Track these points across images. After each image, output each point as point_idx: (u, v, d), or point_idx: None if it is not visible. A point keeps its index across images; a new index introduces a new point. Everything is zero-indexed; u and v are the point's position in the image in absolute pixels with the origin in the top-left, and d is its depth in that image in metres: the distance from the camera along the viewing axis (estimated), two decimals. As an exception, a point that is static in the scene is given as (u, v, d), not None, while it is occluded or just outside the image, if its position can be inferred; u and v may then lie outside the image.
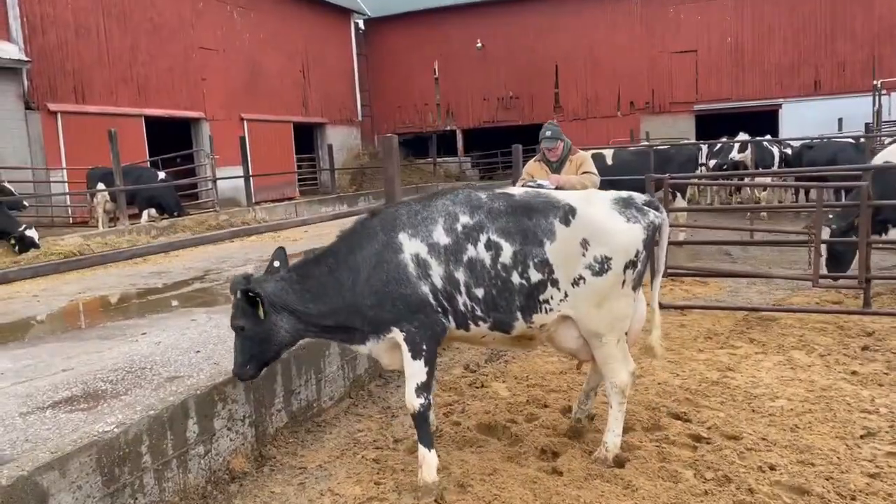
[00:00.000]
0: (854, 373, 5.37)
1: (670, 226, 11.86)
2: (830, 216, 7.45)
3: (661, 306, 7.53)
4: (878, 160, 7.71)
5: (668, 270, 7.87)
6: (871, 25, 26.85)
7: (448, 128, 34.04)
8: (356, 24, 33.50)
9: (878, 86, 20.38)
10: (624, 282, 3.81)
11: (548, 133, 7.01)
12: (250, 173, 20.40)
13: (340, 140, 30.86)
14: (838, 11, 27.25)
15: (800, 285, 8.01)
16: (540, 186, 6.58)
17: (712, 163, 16.14)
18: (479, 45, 32.34)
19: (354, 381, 5.40)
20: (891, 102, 20.67)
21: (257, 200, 21.33)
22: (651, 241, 3.94)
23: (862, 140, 15.60)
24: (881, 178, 6.92)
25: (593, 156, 12.73)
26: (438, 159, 33.06)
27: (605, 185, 11.78)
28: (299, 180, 28.46)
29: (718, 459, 3.99)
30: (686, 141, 22.24)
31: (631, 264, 3.81)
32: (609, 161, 12.36)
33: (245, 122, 25.35)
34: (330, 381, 5.10)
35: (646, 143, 19.94)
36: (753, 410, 4.76)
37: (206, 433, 3.85)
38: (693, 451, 4.14)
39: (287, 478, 4.09)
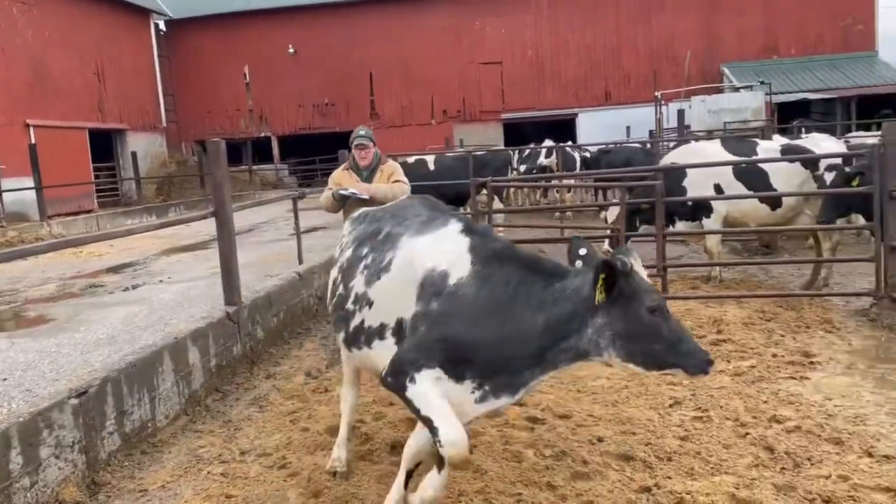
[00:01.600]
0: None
1: (496, 225, 12.41)
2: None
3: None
4: (667, 161, 8.70)
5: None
6: (651, 42, 30.09)
7: (263, 134, 33.09)
8: (156, 25, 31.51)
9: (659, 97, 22.87)
10: None
11: (361, 132, 6.68)
12: (41, 184, 18.48)
13: (144, 147, 28.84)
14: (622, 28, 30.22)
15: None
16: (352, 195, 6.43)
17: (523, 167, 17.19)
18: (292, 50, 31.82)
19: (190, 398, 5.15)
20: (669, 112, 23.24)
21: (50, 214, 19.36)
22: None
23: (648, 145, 17.47)
24: (668, 177, 7.83)
25: (416, 162, 13.18)
26: (254, 167, 32.01)
27: (428, 190, 12.25)
28: (98, 191, 26.19)
29: (554, 437, 4.33)
30: (496, 147, 23.50)
31: None
32: (431, 167, 12.78)
33: (31, 129, 22.88)
34: (164, 399, 4.82)
35: (460, 149, 20.80)
36: (579, 391, 5.20)
37: (31, 463, 3.50)
38: (531, 431, 4.45)
39: (126, 502, 3.83)
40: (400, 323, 3.16)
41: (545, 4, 30.62)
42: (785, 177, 7.69)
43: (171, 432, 4.78)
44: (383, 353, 3.18)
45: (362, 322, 3.36)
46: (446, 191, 11.45)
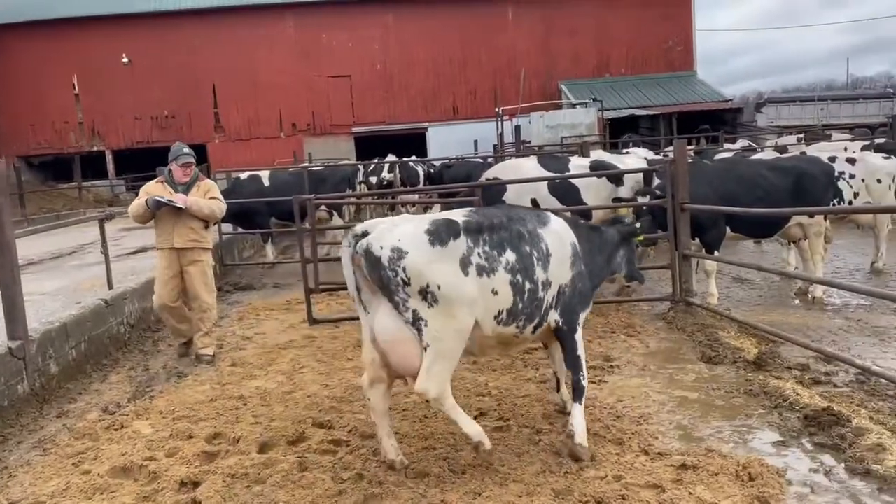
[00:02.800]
0: (474, 362, 6.17)
1: (333, 243, 12.25)
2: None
3: (316, 321, 7.90)
4: (490, 175, 8.97)
5: (324, 286, 8.24)
6: (494, 59, 31.22)
7: (95, 148, 30.99)
8: (-31, 29, 28.71)
9: (500, 112, 23.72)
10: None
11: (185, 150, 6.74)
12: None
13: (-45, 163, 26.07)
14: (467, 45, 31.16)
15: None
16: (168, 202, 6.43)
17: (373, 180, 17.14)
18: (126, 59, 30.06)
19: (-41, 446, 4.63)
20: (512, 127, 24.19)
21: None
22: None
23: (490, 159, 18.03)
24: (488, 192, 8.09)
25: (249, 178, 12.80)
26: (86, 183, 29.81)
27: (262, 206, 11.93)
28: None
29: (354, 459, 4.29)
30: (345, 161, 23.37)
31: None
32: (266, 182, 12.45)
33: None
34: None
35: (308, 164, 20.50)
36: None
37: None
38: (333, 455, 4.38)
39: None
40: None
41: (391, 19, 30.99)
42: (595, 192, 8.18)
43: (-70, 488, 4.27)
44: (554, 318, 4.29)
45: (547, 299, 4.20)
46: (282, 207, 11.16)
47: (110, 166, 31.16)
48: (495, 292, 3.92)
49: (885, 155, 9.73)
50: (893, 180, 9.43)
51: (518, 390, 5.41)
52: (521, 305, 4.02)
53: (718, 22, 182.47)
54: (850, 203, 9.18)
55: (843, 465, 3.95)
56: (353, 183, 16.86)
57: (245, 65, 30.44)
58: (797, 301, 8.27)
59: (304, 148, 29.02)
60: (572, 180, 8.18)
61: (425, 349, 3.78)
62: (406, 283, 3.72)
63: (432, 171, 18.00)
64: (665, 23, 32.10)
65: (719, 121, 28.07)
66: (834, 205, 8.20)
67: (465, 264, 3.83)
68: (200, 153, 29.81)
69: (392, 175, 15.94)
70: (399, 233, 3.79)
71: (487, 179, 8.56)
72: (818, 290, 7.99)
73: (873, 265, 9.31)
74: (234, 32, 30.29)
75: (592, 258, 4.59)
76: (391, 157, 17.24)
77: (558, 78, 31.42)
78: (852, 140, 16.28)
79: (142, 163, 30.62)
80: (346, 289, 8.95)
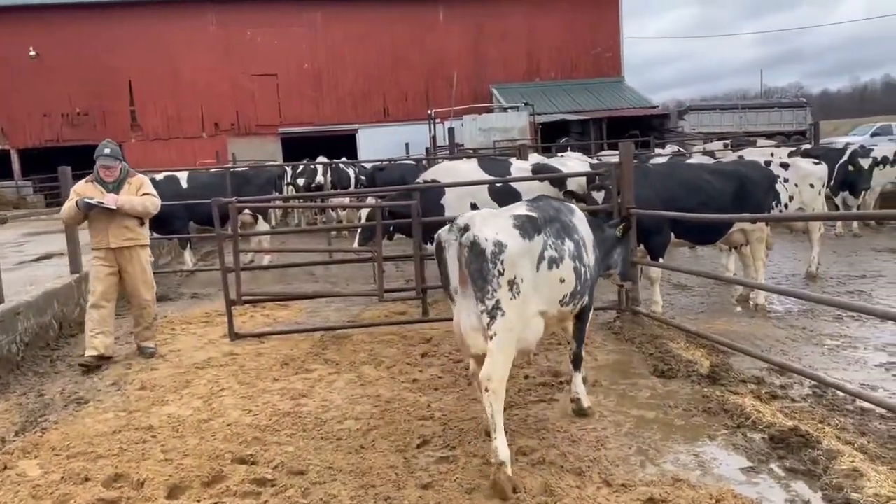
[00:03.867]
0: (415, 380, 5.70)
1: (257, 251, 11.52)
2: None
3: (238, 336, 7.23)
4: (428, 177, 8.50)
5: (247, 297, 7.58)
6: (425, 60, 30.81)
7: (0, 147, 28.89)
8: None
9: (432, 115, 23.31)
10: None
11: (106, 151, 6.59)
12: None
13: None
14: (398, 46, 30.63)
15: (372, 300, 8.41)
16: (99, 204, 6.36)
17: (302, 182, 16.41)
18: (33, 53, 28.17)
19: None
20: (444, 130, 23.78)
21: None
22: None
23: (424, 162, 17.56)
24: (426, 195, 7.61)
25: (166, 179, 11.90)
26: (-11, 184, 27.81)
27: (179, 209, 11.09)
28: None
29: (281, 502, 3.73)
30: (271, 162, 22.47)
31: None
32: (184, 184, 11.62)
33: None
34: None
35: (231, 165, 19.56)
36: (323, 437, 4.65)
37: None
38: (256, 498, 3.81)
39: None
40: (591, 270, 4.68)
41: (319, 18, 30.17)
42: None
43: None
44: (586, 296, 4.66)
45: (589, 280, 4.61)
46: (202, 211, 10.38)
47: (16, 166, 29.14)
48: (562, 280, 4.29)
49: (815, 160, 9.78)
50: (823, 185, 9.49)
51: (464, 412, 4.95)
52: (578, 287, 4.43)
53: (642, 32, 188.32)
54: (786, 206, 9.17)
55: (819, 493, 3.65)
56: (279, 185, 16.12)
57: (164, 61, 29.01)
58: (739, 308, 8.14)
59: (228, 148, 27.83)
60: (514, 184, 7.80)
61: (492, 337, 3.91)
62: (500, 275, 3.92)
63: (363, 176, 17.43)
64: (594, 29, 32.45)
65: (648, 126, 28.49)
66: (774, 209, 8.13)
67: (541, 258, 4.14)
68: (116, 153, 28.18)
69: (324, 178, 15.32)
70: (495, 226, 4.02)
71: (426, 182, 8.08)
72: (761, 297, 7.87)
73: (809, 270, 9.33)
74: (153, 27, 28.79)
75: (598, 248, 4.88)
76: (322, 159, 16.56)
77: (489, 81, 31.28)
78: (777, 146, 16.61)
79: (53, 162, 28.68)
80: (271, 300, 8.35)
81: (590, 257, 4.62)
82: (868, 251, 11.25)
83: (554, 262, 4.19)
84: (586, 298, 4.65)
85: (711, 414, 4.76)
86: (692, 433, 4.50)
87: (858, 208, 13.04)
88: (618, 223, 5.32)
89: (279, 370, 6.13)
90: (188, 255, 11.62)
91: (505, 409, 4.94)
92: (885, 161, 13.74)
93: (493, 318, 3.91)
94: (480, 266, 3.90)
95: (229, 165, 14.99)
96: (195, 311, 8.80)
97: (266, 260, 11.40)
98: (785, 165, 9.24)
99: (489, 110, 28.11)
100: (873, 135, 30.18)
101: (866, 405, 4.70)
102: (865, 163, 13.20)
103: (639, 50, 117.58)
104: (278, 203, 12.03)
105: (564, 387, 5.41)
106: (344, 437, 4.64)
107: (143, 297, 6.73)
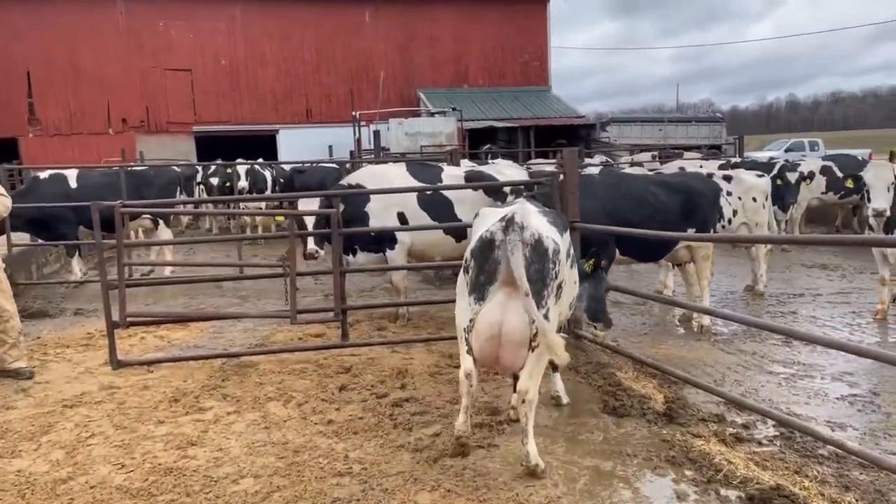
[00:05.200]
0: (331, 422, 4.84)
1: (152, 264, 10.33)
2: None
3: (122, 364, 6.16)
4: (352, 182, 7.63)
5: (133, 319, 6.51)
6: (350, 61, 29.79)
7: None
8: None
9: (357, 117, 22.37)
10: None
11: None
12: None
13: None
14: (322, 45, 29.50)
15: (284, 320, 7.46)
16: None
17: (215, 182, 15.16)
18: (-87, 36, 25.61)
19: None
20: (369, 132, 22.88)
21: None
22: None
23: (348, 165, 16.59)
24: (349, 202, 6.77)
25: (51, 178, 10.54)
26: None
27: (66, 212, 9.81)
28: None
29: None
30: (184, 161, 21.01)
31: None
32: (73, 184, 10.30)
33: None
34: None
35: (140, 163, 18.08)
36: (217, 496, 3.75)
37: None
38: None
39: None
40: None
41: (238, 12, 28.72)
42: (470, 206, 7.06)
43: None
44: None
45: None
46: (85, 212, 9.11)
47: None
48: (576, 282, 4.27)
49: (758, 173, 9.48)
50: (766, 198, 9.18)
51: (388, 464, 4.14)
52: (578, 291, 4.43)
53: (566, 44, 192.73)
54: (730, 221, 8.80)
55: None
56: (188, 187, 14.85)
57: (66, 52, 26.88)
58: (682, 329, 7.64)
59: (137, 146, 26.04)
60: (445, 193, 7.03)
61: (534, 349, 3.71)
62: (555, 277, 3.76)
63: (281, 178, 16.36)
64: (522, 37, 32.22)
65: (575, 136, 28.39)
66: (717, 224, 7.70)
67: (568, 255, 4.03)
68: (12, 149, 25.93)
69: (247, 182, 14.19)
70: (539, 225, 3.80)
71: (350, 186, 7.22)
72: (706, 319, 7.38)
73: (753, 288, 9.00)
74: (53, 15, 26.61)
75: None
76: (240, 161, 15.38)
77: (417, 86, 30.55)
78: (706, 159, 16.53)
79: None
80: (161, 322, 7.23)
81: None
82: (799, 267, 11.08)
83: (574, 263, 4.14)
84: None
85: (675, 465, 4.11)
86: (658, 491, 3.83)
87: (786, 223, 12.96)
88: (589, 257, 4.95)
89: (166, 409, 5.13)
90: (76, 264, 10.29)
91: (436, 460, 4.21)
92: (811, 176, 13.77)
93: (543, 325, 3.62)
94: (541, 266, 3.67)
95: (126, 164, 13.61)
96: (76, 330, 7.59)
97: (167, 272, 10.24)
98: (728, 178, 8.87)
99: (416, 114, 27.36)
100: (787, 150, 31.18)
101: (840, 451, 4.16)
102: (793, 177, 13.15)
103: (563, 62, 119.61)
104: (177, 209, 10.81)
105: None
106: (242, 496, 3.75)
107: (2, 307, 5.86)
